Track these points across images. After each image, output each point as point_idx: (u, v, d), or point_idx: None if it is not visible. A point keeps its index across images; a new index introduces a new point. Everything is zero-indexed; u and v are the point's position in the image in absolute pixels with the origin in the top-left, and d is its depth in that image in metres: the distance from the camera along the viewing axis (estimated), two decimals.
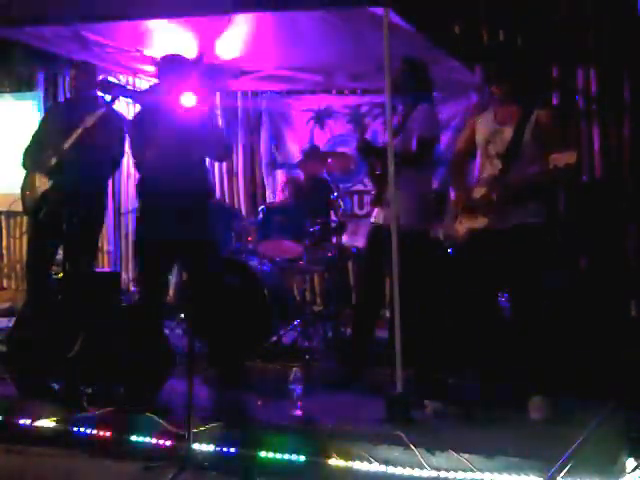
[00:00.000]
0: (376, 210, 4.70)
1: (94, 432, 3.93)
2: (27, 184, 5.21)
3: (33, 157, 5.20)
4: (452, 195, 4.36)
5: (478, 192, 4.11)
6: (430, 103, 4.68)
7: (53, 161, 5.04)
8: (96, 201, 5.25)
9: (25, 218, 6.90)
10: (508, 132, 4.05)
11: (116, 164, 5.43)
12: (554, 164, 3.74)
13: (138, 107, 4.92)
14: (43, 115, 5.60)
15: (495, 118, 4.15)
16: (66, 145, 4.99)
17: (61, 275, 5.25)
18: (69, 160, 5.00)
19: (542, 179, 3.94)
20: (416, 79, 4.63)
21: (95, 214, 5.27)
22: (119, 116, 5.25)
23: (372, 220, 4.73)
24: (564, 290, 5.03)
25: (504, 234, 4.01)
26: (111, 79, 6.79)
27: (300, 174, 6.77)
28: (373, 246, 4.66)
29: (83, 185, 4.99)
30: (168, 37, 5.57)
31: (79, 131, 4.95)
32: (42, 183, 5.09)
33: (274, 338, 5.64)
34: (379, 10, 4.00)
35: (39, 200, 5.11)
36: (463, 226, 4.16)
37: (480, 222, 4.08)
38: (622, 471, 3.34)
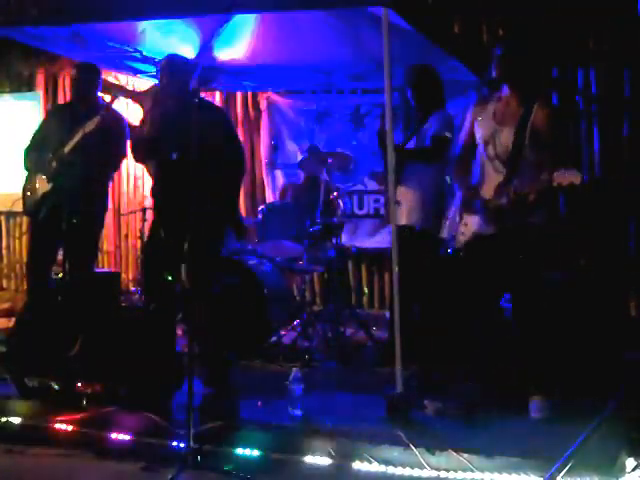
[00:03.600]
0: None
1: (94, 432, 3.93)
2: (28, 185, 5.21)
3: (34, 159, 5.20)
4: (456, 194, 4.34)
5: (485, 195, 4.06)
6: (443, 108, 4.97)
7: (54, 164, 5.04)
8: (97, 202, 5.25)
9: (25, 218, 6.90)
10: (507, 133, 3.98)
11: (117, 165, 5.43)
12: (558, 182, 3.66)
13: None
14: (44, 116, 5.60)
15: (494, 117, 4.08)
16: (67, 149, 4.99)
17: (61, 275, 5.26)
18: (70, 163, 5.00)
19: (546, 195, 3.88)
20: (428, 86, 4.95)
21: (95, 215, 5.27)
22: (120, 118, 5.25)
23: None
24: (564, 290, 5.04)
25: (504, 234, 4.00)
26: (111, 79, 6.81)
27: (300, 174, 6.77)
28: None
29: (84, 187, 4.99)
30: (168, 37, 5.57)
31: (79, 136, 4.95)
32: (43, 185, 5.09)
33: (274, 338, 5.64)
34: (379, 10, 4.00)
35: (40, 201, 5.11)
36: (468, 228, 4.12)
37: (488, 229, 4.03)
38: (622, 471, 3.34)
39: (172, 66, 4.44)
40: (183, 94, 4.32)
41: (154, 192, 4.62)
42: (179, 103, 4.34)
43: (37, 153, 5.19)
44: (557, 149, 3.91)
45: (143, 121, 4.63)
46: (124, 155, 5.33)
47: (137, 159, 4.80)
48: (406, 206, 4.86)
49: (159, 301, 4.39)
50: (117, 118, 5.22)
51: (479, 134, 4.14)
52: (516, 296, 4.14)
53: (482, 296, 4.12)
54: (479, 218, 4.05)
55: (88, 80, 5.21)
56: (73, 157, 4.99)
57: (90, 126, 4.94)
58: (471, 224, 4.09)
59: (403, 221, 4.84)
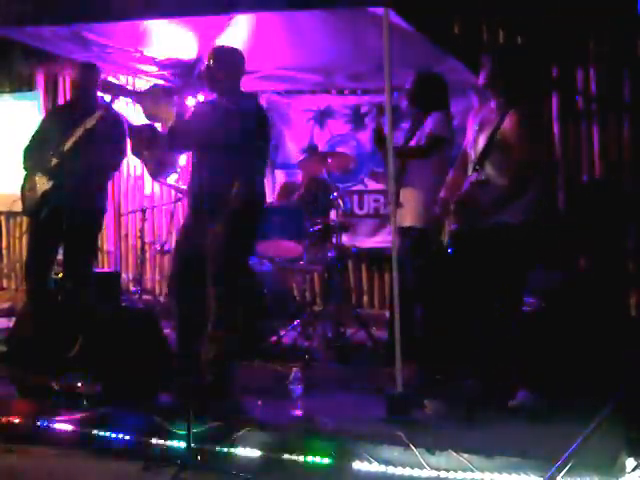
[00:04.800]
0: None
1: (94, 432, 3.93)
2: (27, 184, 5.21)
3: (33, 158, 5.19)
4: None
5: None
6: (443, 111, 4.96)
7: (54, 162, 5.04)
8: (96, 201, 5.25)
9: (25, 218, 6.89)
10: (483, 138, 4.12)
11: (116, 165, 5.43)
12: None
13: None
14: (44, 115, 5.59)
15: (479, 123, 4.22)
16: (67, 146, 4.99)
17: (61, 275, 5.26)
18: (70, 161, 5.00)
19: (480, 193, 4.02)
20: (429, 93, 4.96)
21: (95, 215, 5.27)
22: (119, 117, 5.26)
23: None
24: (563, 290, 5.04)
25: (482, 233, 4.07)
26: (111, 79, 6.80)
27: (299, 175, 6.77)
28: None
29: (83, 186, 4.99)
30: (168, 37, 5.58)
31: (80, 132, 4.96)
32: (42, 184, 5.09)
33: (274, 338, 5.64)
34: (379, 10, 4.00)
35: (39, 200, 5.10)
36: (447, 228, 4.26)
37: (456, 228, 4.16)
38: (622, 471, 3.34)
39: (222, 56, 4.37)
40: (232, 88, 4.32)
41: (190, 186, 4.59)
42: (223, 96, 4.31)
43: (37, 153, 5.19)
44: (517, 149, 3.99)
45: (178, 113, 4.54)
46: (124, 154, 5.33)
47: (176, 148, 4.72)
48: (409, 207, 4.87)
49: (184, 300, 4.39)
50: (117, 118, 5.23)
51: (467, 139, 4.31)
52: (494, 295, 4.18)
53: (465, 294, 4.16)
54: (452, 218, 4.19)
55: (88, 79, 5.21)
56: (73, 154, 4.99)
57: (91, 122, 4.95)
58: (449, 223, 4.23)
59: (407, 222, 4.85)
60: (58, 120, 5.29)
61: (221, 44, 4.60)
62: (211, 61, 4.33)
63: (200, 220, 4.27)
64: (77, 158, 4.98)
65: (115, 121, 5.17)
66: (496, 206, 4.03)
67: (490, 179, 4.02)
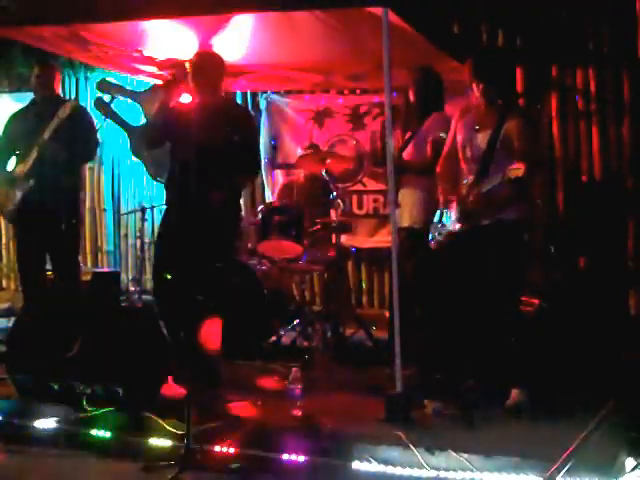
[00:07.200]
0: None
1: (94, 432, 3.93)
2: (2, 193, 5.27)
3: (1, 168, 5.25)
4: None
5: (459, 195, 4.22)
6: (442, 110, 5.00)
7: (34, 156, 5.06)
8: (74, 190, 5.31)
9: None
10: (482, 138, 4.15)
11: (93, 152, 5.51)
12: (507, 175, 3.85)
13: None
14: (5, 123, 5.59)
15: (474, 122, 4.24)
16: (43, 138, 5.02)
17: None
18: (49, 151, 5.03)
19: (499, 191, 4.00)
20: (430, 88, 5.00)
21: (74, 203, 5.33)
22: (86, 108, 5.35)
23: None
24: (563, 290, 5.05)
25: (475, 232, 4.10)
26: (111, 79, 6.81)
27: (299, 174, 6.77)
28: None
29: (62, 176, 5.04)
30: (168, 37, 5.57)
31: (55, 122, 4.99)
32: (11, 196, 5.14)
33: (274, 338, 5.64)
34: (378, 10, 4.00)
35: (19, 204, 5.15)
36: (444, 228, 4.27)
37: (459, 227, 4.18)
38: (622, 471, 3.35)
39: (204, 63, 4.46)
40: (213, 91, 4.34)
41: (168, 185, 4.61)
42: (207, 101, 4.34)
43: (2, 162, 5.25)
44: (523, 153, 4.01)
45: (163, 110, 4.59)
46: (97, 147, 5.40)
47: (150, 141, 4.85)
48: (407, 208, 4.87)
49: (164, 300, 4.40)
50: (85, 109, 5.33)
51: (459, 137, 4.31)
52: (489, 292, 4.19)
53: (463, 294, 4.16)
54: (452, 217, 4.21)
55: (48, 77, 5.28)
56: (52, 144, 5.03)
57: (64, 112, 5.00)
58: (446, 223, 4.26)
59: (405, 222, 4.85)
60: (23, 123, 5.32)
61: (203, 50, 4.65)
62: (194, 66, 4.45)
63: (181, 219, 4.31)
64: (57, 147, 5.01)
65: (84, 111, 5.25)
66: (502, 204, 4.04)
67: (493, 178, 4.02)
